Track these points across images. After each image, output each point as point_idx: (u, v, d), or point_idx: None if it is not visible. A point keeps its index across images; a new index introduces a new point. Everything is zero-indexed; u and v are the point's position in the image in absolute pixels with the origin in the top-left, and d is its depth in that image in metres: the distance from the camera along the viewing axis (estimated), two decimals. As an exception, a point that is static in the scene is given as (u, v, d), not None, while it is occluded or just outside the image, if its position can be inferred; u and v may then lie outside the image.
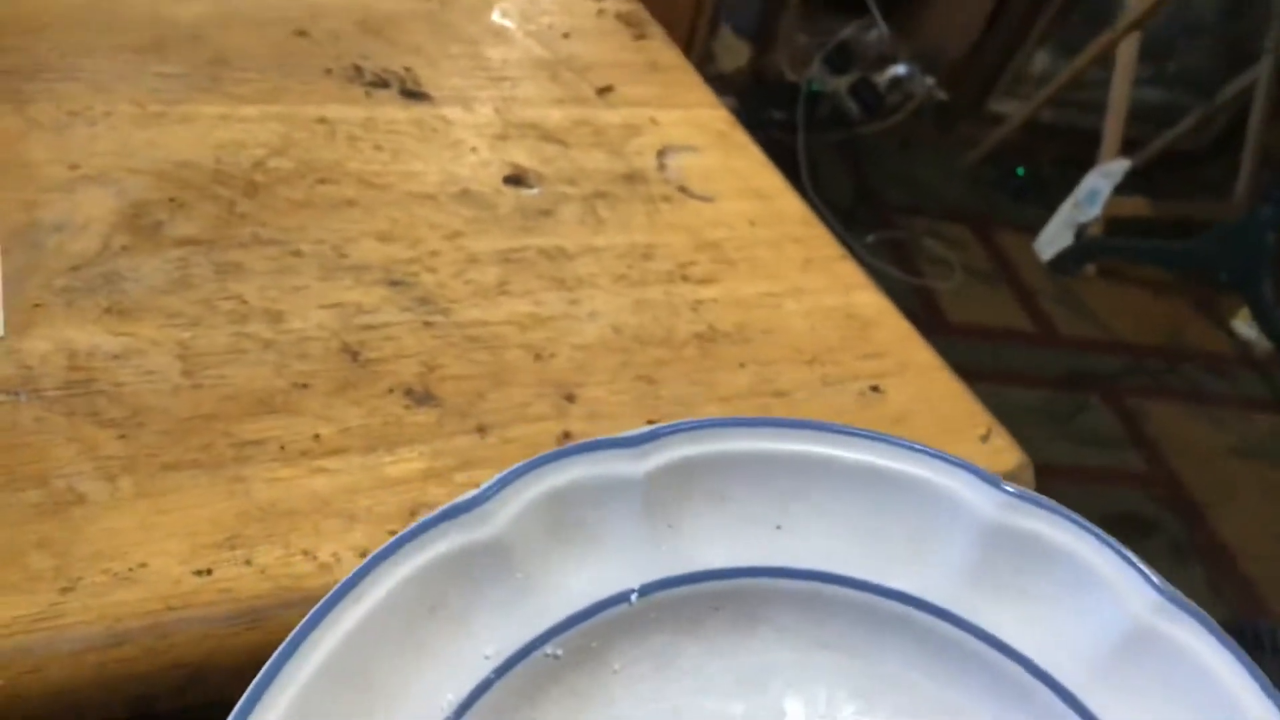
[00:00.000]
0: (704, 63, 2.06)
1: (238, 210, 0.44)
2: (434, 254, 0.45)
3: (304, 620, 0.25)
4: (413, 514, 0.35)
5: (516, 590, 0.29)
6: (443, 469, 0.37)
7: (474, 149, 0.52)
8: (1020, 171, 2.46)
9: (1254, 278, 1.94)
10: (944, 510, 0.31)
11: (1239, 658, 0.28)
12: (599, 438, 0.31)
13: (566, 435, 0.40)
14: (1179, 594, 0.29)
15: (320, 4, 0.58)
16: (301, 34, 0.55)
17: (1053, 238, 2.25)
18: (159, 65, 0.50)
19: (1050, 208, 2.27)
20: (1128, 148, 2.28)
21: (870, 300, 0.51)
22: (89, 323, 0.38)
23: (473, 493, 0.29)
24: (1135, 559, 0.30)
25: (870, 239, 2.12)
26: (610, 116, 0.58)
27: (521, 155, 0.53)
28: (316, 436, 0.36)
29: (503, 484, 0.29)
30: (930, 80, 2.31)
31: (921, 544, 0.32)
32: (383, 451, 0.37)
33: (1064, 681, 0.30)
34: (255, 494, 0.34)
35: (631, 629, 0.31)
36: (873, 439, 0.32)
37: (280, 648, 0.25)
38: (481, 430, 0.39)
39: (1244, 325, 2.20)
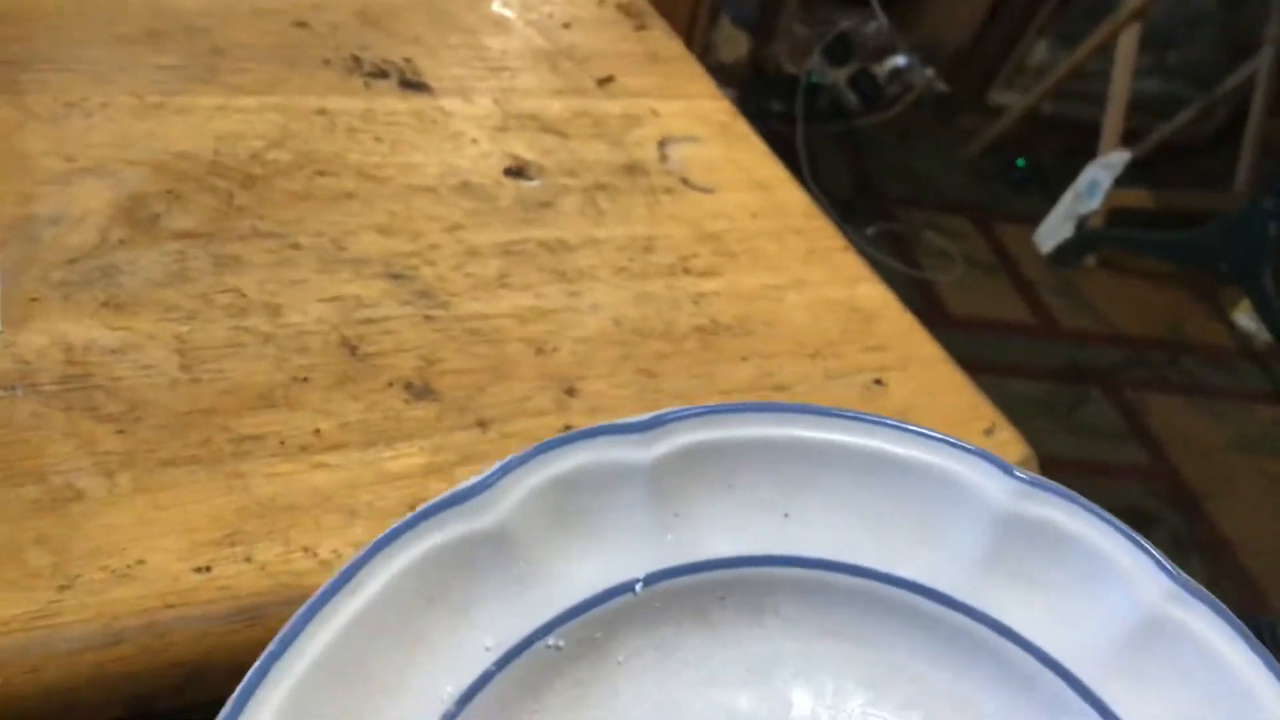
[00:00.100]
0: (703, 54, 2.05)
1: (236, 202, 0.44)
2: (434, 247, 0.45)
3: (298, 613, 0.25)
4: (413, 509, 0.35)
5: (518, 580, 0.29)
6: (443, 464, 0.37)
7: (474, 140, 0.52)
8: (1020, 163, 2.46)
9: (1255, 269, 1.94)
10: (954, 497, 0.31)
11: (1252, 645, 0.28)
12: (604, 424, 0.30)
13: (567, 429, 0.39)
14: (1192, 581, 0.29)
15: (319, -6, 0.58)
16: (300, 25, 0.55)
17: (1053, 229, 2.25)
18: (157, 56, 0.50)
19: (1051, 199, 2.27)
20: (1128, 139, 2.27)
21: (873, 292, 0.51)
22: (86, 317, 0.37)
23: (473, 480, 0.28)
24: (1149, 545, 0.29)
25: (870, 231, 2.12)
26: (611, 107, 0.58)
27: (521, 147, 0.52)
28: (316, 431, 0.36)
29: (504, 471, 0.28)
30: (930, 72, 2.30)
31: (931, 531, 0.31)
32: (383, 446, 0.36)
33: (1075, 670, 0.29)
34: (254, 490, 0.34)
35: (636, 619, 0.30)
36: (882, 425, 0.31)
37: (274, 641, 0.24)
38: (482, 425, 0.38)
39: (1245, 317, 2.20)
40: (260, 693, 0.24)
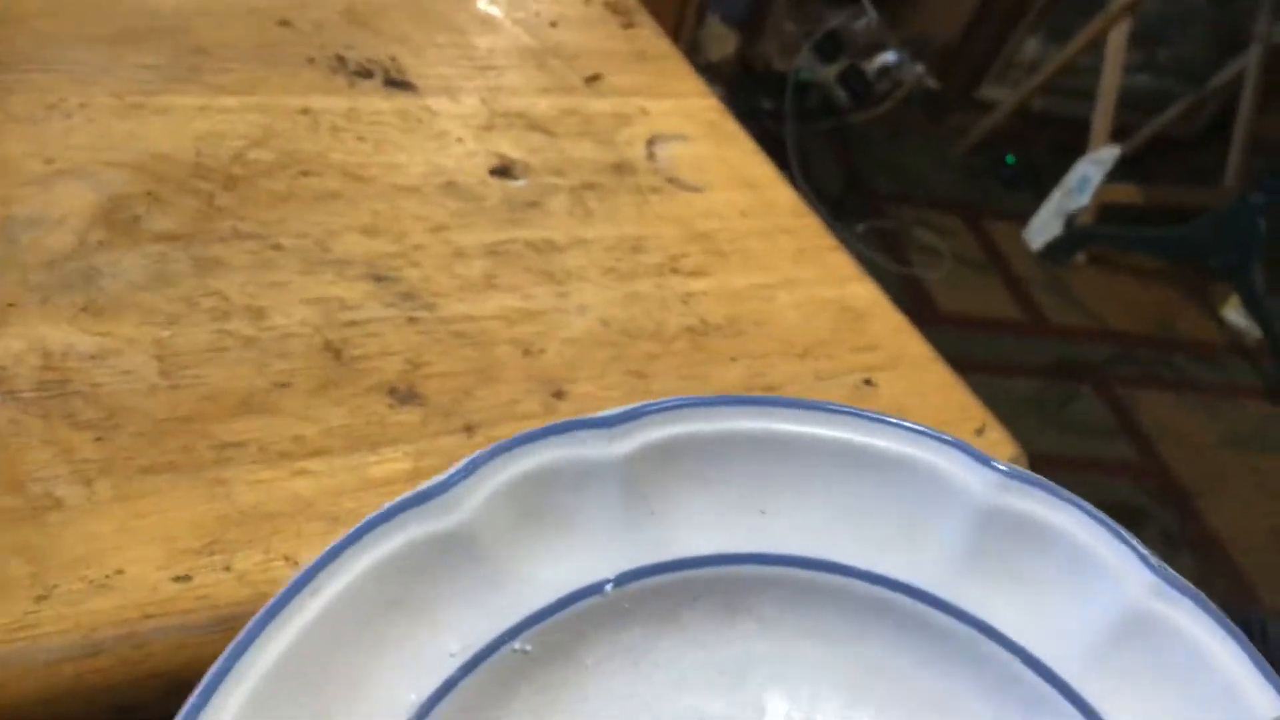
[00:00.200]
0: (691, 51, 2.05)
1: (217, 204, 0.43)
2: (419, 248, 0.44)
3: (255, 618, 0.24)
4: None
5: (483, 582, 0.28)
6: (428, 469, 0.36)
7: (459, 140, 0.51)
8: (1010, 159, 2.46)
9: (1244, 265, 1.95)
10: (934, 491, 0.30)
11: (1238, 641, 0.27)
12: (573, 418, 0.29)
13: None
14: (1177, 575, 0.28)
15: (302, -8, 0.57)
16: (284, 24, 0.54)
17: (1043, 226, 2.25)
18: (137, 56, 0.49)
19: (1041, 196, 2.28)
20: (1118, 135, 2.28)
21: (863, 292, 0.50)
22: (64, 321, 0.37)
23: (436, 479, 0.27)
24: (1132, 539, 0.29)
25: (860, 228, 2.12)
26: (599, 106, 0.57)
27: (508, 146, 0.52)
28: (298, 437, 0.36)
29: (469, 469, 0.28)
30: (920, 68, 2.30)
31: (911, 527, 0.30)
32: (366, 452, 0.36)
33: (1058, 669, 0.29)
34: (235, 497, 0.33)
35: (605, 622, 0.29)
36: (860, 417, 0.31)
37: (229, 648, 0.24)
38: (468, 429, 0.38)
39: (1234, 313, 2.20)
40: (216, 700, 0.23)
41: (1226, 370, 2.11)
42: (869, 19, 2.25)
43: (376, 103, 0.51)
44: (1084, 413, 1.89)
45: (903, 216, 2.22)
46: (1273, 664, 0.27)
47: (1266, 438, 1.96)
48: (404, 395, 0.38)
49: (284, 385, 0.37)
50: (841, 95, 2.29)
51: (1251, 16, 2.32)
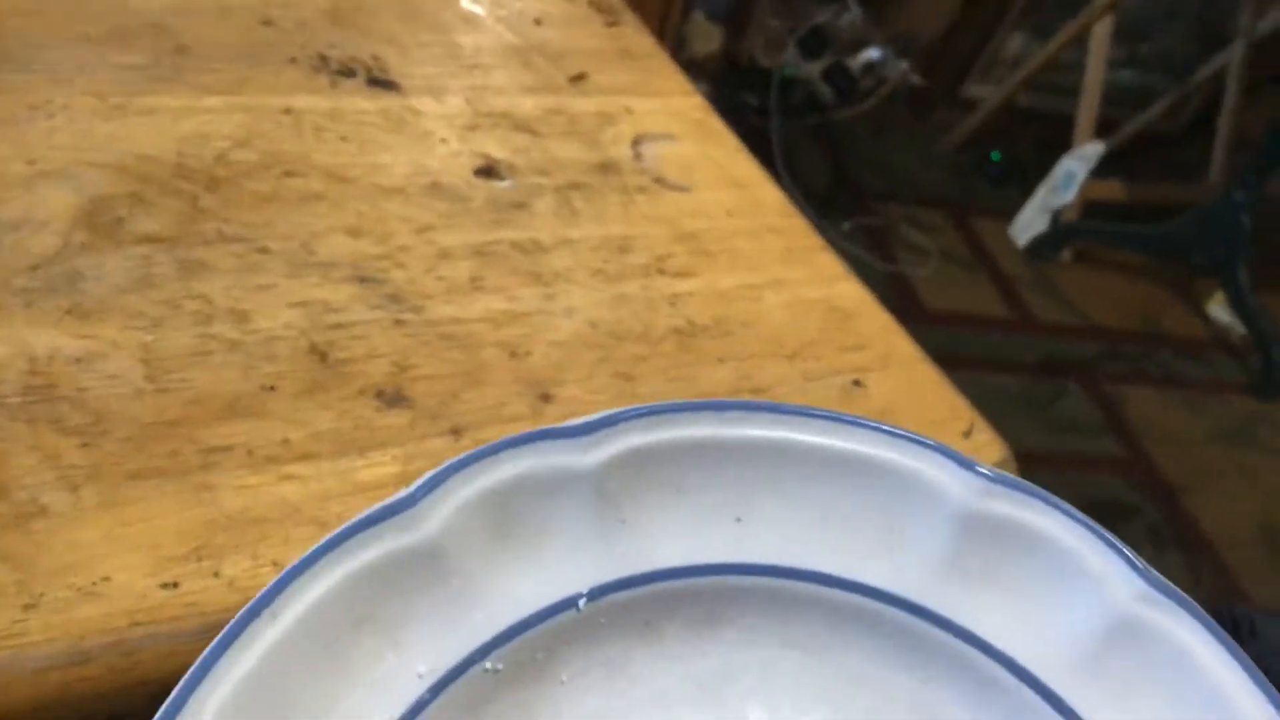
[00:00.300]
0: (676, 48, 2.05)
1: (201, 205, 0.43)
2: (404, 249, 0.44)
3: (213, 644, 0.23)
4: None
5: (452, 600, 0.27)
6: (416, 472, 0.36)
7: (444, 140, 0.51)
8: (995, 156, 2.46)
9: (1229, 261, 1.95)
10: (916, 496, 0.29)
11: (1228, 647, 0.27)
12: (544, 427, 0.28)
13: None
14: (1164, 580, 0.28)
15: (286, -8, 0.57)
16: (267, 23, 0.54)
17: (1028, 223, 2.26)
18: (120, 55, 0.49)
19: (1027, 192, 2.28)
20: (1102, 131, 2.28)
21: (851, 292, 0.50)
22: (49, 325, 0.36)
23: (401, 493, 0.26)
24: (1119, 544, 0.28)
25: (846, 226, 2.12)
26: (584, 105, 0.57)
27: (493, 146, 0.52)
28: (285, 441, 0.35)
29: (435, 482, 0.27)
30: (905, 65, 2.30)
31: (892, 534, 0.30)
32: (354, 455, 0.36)
33: (1045, 678, 0.28)
34: (222, 502, 0.33)
35: (580, 637, 0.29)
36: (838, 421, 0.30)
37: (186, 675, 0.23)
38: (456, 432, 0.38)
39: (1219, 309, 2.21)
40: None
41: (1212, 366, 2.12)
42: (853, 15, 2.25)
43: (360, 103, 0.51)
44: (1071, 409, 1.89)
45: (889, 214, 2.22)
46: (1262, 660, 0.27)
47: (1253, 433, 1.97)
48: (391, 398, 0.38)
49: (270, 389, 0.37)
50: (826, 92, 2.29)
51: (1234, 11, 2.32)
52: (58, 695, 0.29)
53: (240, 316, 0.39)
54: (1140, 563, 0.28)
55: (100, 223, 0.40)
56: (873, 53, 2.30)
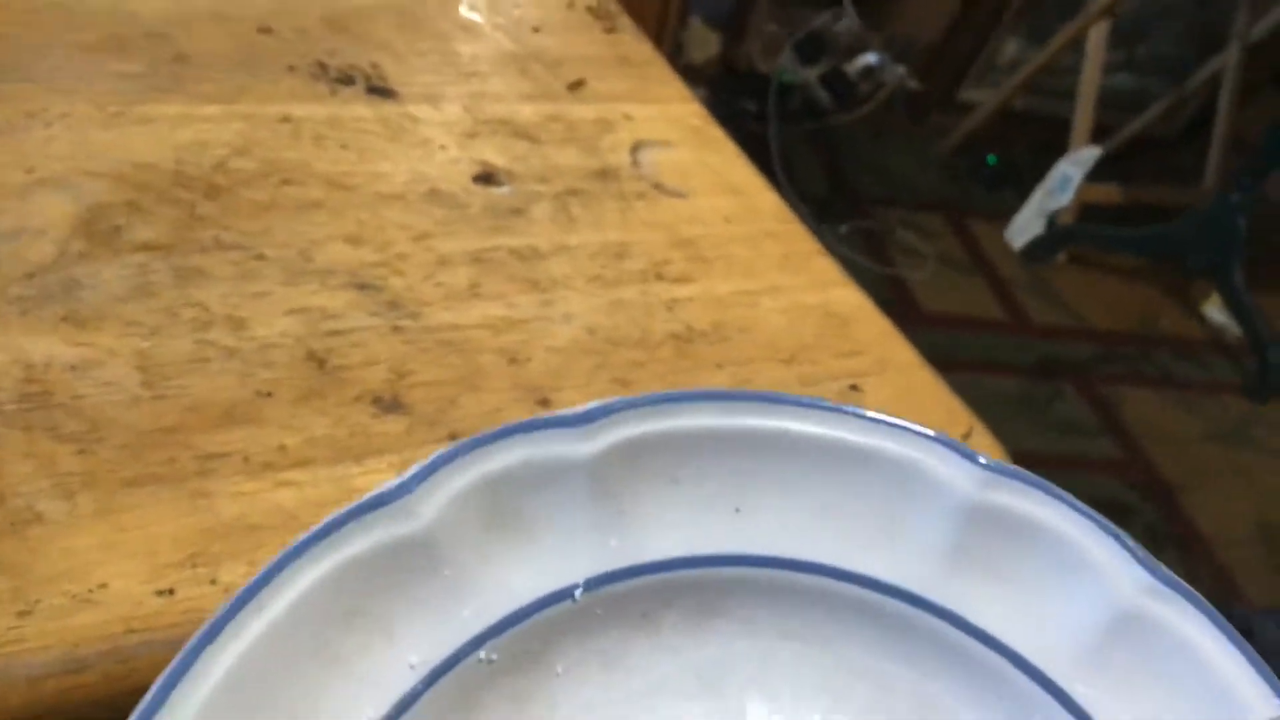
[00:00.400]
0: (674, 54, 2.05)
1: (199, 213, 0.43)
2: (402, 256, 0.44)
3: (197, 635, 0.23)
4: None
5: (445, 590, 0.26)
6: (414, 479, 0.36)
7: (443, 147, 0.51)
8: (992, 160, 2.47)
9: (1225, 263, 1.96)
10: (916, 487, 0.29)
11: (1232, 639, 0.27)
12: (539, 416, 0.28)
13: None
14: (1168, 572, 0.28)
15: (283, -1, 0.57)
16: (265, 31, 0.54)
17: (1024, 226, 2.26)
18: (118, 64, 0.49)
19: (1023, 196, 2.28)
20: (1099, 134, 2.28)
21: (848, 297, 0.50)
22: (45, 333, 0.36)
23: (393, 482, 0.26)
24: (1123, 535, 0.28)
25: (843, 229, 2.12)
26: (582, 112, 0.57)
27: (492, 153, 0.52)
28: (282, 448, 0.35)
29: (428, 472, 0.26)
30: (901, 69, 2.30)
31: (892, 525, 0.30)
32: (350, 462, 0.36)
33: (1046, 669, 0.28)
34: (219, 509, 0.33)
35: (575, 628, 0.28)
36: (837, 411, 0.30)
37: (169, 667, 0.22)
38: (453, 438, 0.38)
39: (1215, 311, 2.21)
40: None
41: (1208, 367, 2.12)
42: (850, 20, 2.25)
43: (359, 110, 0.51)
44: (1068, 411, 1.89)
45: (886, 217, 2.22)
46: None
47: (1248, 433, 1.97)
48: (388, 405, 0.38)
49: (267, 395, 0.37)
50: (824, 97, 2.29)
51: (1230, 14, 2.33)
52: (53, 703, 0.29)
53: (237, 324, 0.39)
54: (1144, 555, 0.28)
55: (97, 231, 0.40)
56: (870, 57, 2.30)
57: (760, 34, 2.27)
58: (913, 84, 2.33)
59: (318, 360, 0.39)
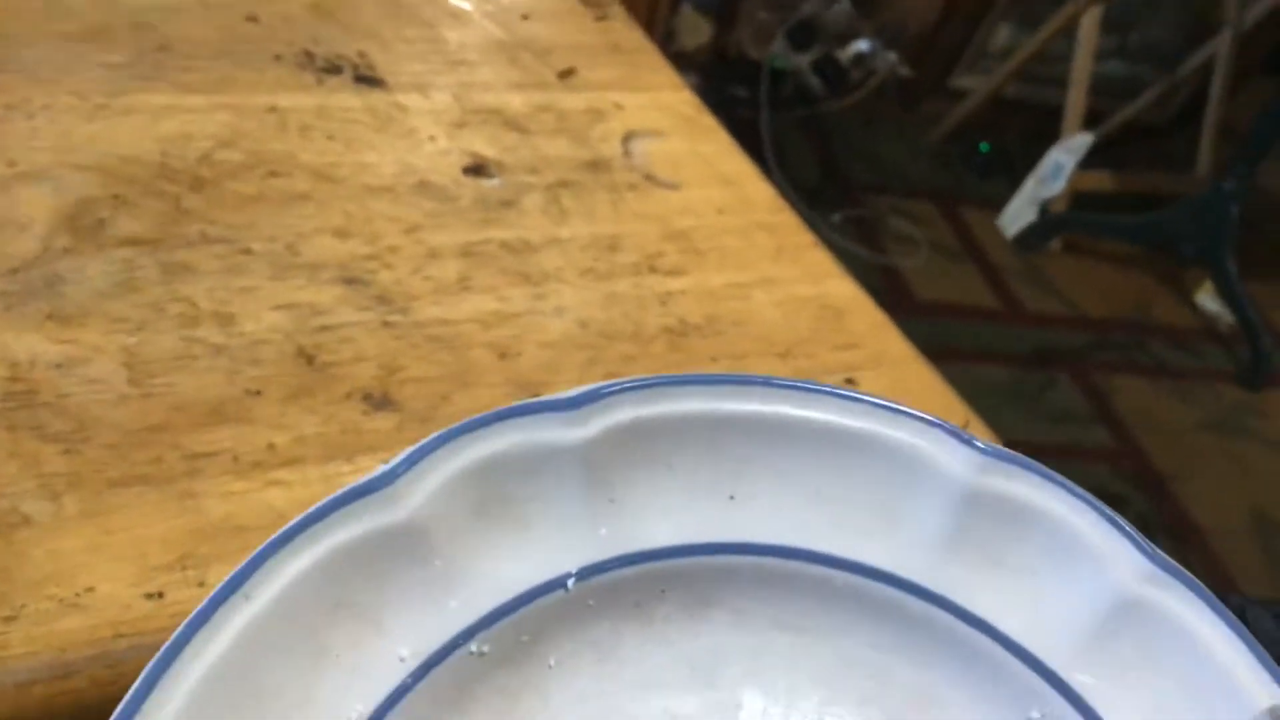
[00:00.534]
0: (665, 41, 2.04)
1: (184, 206, 0.42)
2: (392, 249, 0.44)
3: (181, 626, 0.22)
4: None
5: (435, 580, 0.26)
6: (405, 477, 0.35)
7: (432, 138, 0.50)
8: (984, 147, 2.46)
9: (1218, 251, 1.96)
10: (914, 473, 0.28)
11: (1232, 626, 0.26)
12: (528, 401, 0.27)
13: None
14: (1169, 559, 0.27)
15: (270, -12, 0.56)
16: (251, 19, 0.53)
17: (1017, 214, 2.26)
18: (101, 54, 0.48)
19: (1015, 183, 2.28)
20: (1091, 121, 2.28)
21: (843, 289, 0.50)
22: (30, 330, 0.36)
23: (380, 469, 0.25)
24: (1122, 522, 0.27)
25: (836, 218, 2.11)
26: (572, 101, 0.56)
27: (481, 144, 0.51)
28: (271, 446, 0.35)
29: (417, 458, 0.25)
30: (893, 56, 2.30)
31: (889, 511, 0.29)
32: (341, 460, 0.35)
33: (1045, 658, 0.28)
34: (207, 510, 0.32)
35: (568, 619, 0.28)
36: (833, 395, 0.29)
37: (153, 660, 0.21)
38: (445, 435, 0.37)
39: (1208, 299, 2.21)
40: (141, 717, 0.21)
41: (1201, 355, 2.13)
42: (842, 7, 2.24)
43: (346, 100, 0.51)
44: (1061, 399, 1.89)
45: (878, 205, 2.22)
46: (1254, 649, 0.27)
47: (1242, 422, 1.97)
48: (379, 401, 0.38)
49: (255, 393, 0.36)
50: (816, 84, 2.29)
51: (1222, 1, 2.32)
52: (40, 709, 0.28)
53: (225, 319, 0.38)
54: (1144, 541, 0.27)
55: (81, 225, 0.40)
56: (861, 44, 2.29)
57: (752, 20, 2.26)
58: (904, 71, 2.33)
59: (307, 357, 0.38)
